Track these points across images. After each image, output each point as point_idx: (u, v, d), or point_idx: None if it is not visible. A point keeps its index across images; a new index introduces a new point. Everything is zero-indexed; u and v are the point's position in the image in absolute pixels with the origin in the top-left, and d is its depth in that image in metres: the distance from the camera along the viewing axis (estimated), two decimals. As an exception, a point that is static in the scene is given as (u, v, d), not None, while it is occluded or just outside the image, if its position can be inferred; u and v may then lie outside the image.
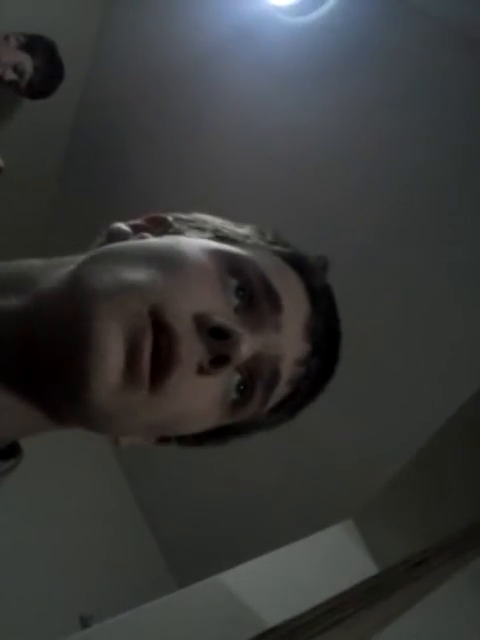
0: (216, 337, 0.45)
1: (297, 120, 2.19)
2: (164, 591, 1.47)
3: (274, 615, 1.12)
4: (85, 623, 1.99)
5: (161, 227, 0.57)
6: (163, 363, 0.44)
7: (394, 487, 1.66)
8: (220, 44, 2.37)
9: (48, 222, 3.28)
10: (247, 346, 0.46)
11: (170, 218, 0.58)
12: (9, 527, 2.21)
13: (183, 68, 2.52)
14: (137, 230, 0.56)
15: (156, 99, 2.70)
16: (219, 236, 0.55)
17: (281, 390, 0.53)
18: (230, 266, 0.50)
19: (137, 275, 0.46)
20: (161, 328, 0.44)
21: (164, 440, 0.58)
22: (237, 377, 0.50)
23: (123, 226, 0.56)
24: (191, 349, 0.45)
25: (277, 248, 0.57)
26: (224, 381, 0.49)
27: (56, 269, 0.50)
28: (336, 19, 2.06)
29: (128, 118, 2.83)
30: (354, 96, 2.07)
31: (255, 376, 0.51)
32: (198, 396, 0.48)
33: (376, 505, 1.68)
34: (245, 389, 0.51)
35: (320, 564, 1.49)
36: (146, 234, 0.55)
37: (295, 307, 0.53)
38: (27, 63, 2.42)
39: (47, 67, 2.47)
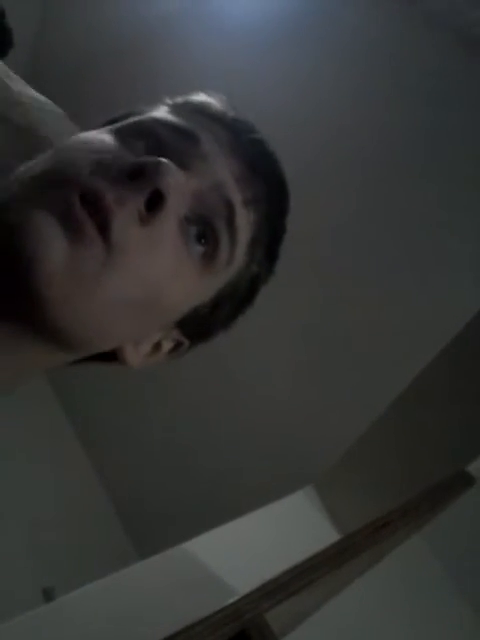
0: (138, 177, 0.43)
1: (258, 83, 2.19)
2: (126, 562, 1.48)
3: (239, 582, 1.14)
4: (48, 595, 1.99)
5: None
6: (99, 219, 0.42)
7: (352, 454, 1.70)
8: (177, 9, 2.34)
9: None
10: (172, 171, 0.44)
11: None
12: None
13: (139, 33, 2.47)
14: None
15: (112, 64, 2.64)
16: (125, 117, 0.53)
17: (243, 227, 0.50)
18: (131, 133, 0.48)
19: (43, 166, 0.45)
20: (83, 197, 0.42)
21: (176, 347, 0.54)
22: (193, 228, 0.47)
23: None
24: (118, 198, 0.42)
25: (181, 103, 0.55)
26: (179, 233, 0.46)
27: None
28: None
29: (83, 83, 2.76)
30: (304, 63, 2.10)
31: (210, 216, 0.48)
32: (156, 250, 0.45)
33: (335, 471, 1.72)
34: (207, 235, 0.48)
35: (283, 530, 1.52)
36: None
37: (212, 134, 0.50)
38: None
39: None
